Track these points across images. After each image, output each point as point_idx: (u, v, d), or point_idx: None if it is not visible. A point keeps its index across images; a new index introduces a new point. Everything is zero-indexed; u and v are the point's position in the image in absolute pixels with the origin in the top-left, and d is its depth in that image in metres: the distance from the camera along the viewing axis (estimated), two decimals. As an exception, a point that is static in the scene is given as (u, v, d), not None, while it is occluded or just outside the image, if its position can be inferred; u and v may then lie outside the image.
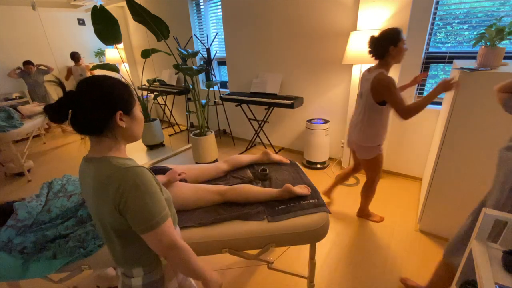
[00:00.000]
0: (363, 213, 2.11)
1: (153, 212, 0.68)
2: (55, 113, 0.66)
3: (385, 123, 1.67)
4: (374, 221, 2.07)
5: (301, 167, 1.68)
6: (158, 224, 0.68)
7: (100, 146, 0.72)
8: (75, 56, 4.27)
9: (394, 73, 2.29)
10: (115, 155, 0.72)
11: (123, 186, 0.65)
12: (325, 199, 2.20)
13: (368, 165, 1.84)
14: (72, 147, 4.06)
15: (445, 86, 1.43)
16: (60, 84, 0.70)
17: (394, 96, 1.48)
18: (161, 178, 1.30)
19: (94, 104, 0.67)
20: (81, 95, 0.67)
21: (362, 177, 2.72)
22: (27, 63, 3.97)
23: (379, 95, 1.55)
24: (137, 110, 0.76)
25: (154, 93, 4.24)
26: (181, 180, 1.38)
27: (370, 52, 1.60)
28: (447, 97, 1.85)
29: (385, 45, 1.51)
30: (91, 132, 0.70)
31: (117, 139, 0.73)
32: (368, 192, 1.98)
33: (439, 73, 2.34)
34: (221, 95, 3.45)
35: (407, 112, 1.47)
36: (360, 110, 1.71)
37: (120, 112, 0.69)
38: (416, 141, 2.49)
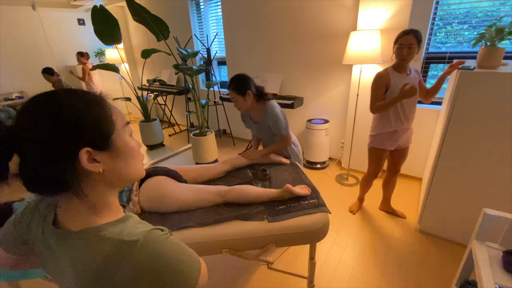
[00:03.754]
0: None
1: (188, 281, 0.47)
2: None
3: (385, 114, 1.75)
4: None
5: (301, 167, 1.68)
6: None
7: (73, 211, 0.47)
8: (84, 55, 4.21)
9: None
10: (103, 221, 0.48)
11: (138, 268, 0.43)
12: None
13: (368, 154, 1.99)
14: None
15: (404, 94, 1.57)
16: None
17: (371, 91, 1.73)
18: (167, 180, 1.30)
19: (37, 148, 0.42)
20: (21, 133, 0.42)
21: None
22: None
23: None
24: (123, 136, 0.49)
25: (154, 93, 4.24)
26: (181, 181, 1.38)
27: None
28: (447, 97, 1.85)
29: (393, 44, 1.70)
30: (46, 192, 0.46)
31: (98, 192, 0.48)
32: (363, 182, 2.13)
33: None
34: (221, 95, 3.45)
35: (372, 108, 1.74)
36: None
37: (88, 149, 0.43)
38: (416, 141, 2.49)
